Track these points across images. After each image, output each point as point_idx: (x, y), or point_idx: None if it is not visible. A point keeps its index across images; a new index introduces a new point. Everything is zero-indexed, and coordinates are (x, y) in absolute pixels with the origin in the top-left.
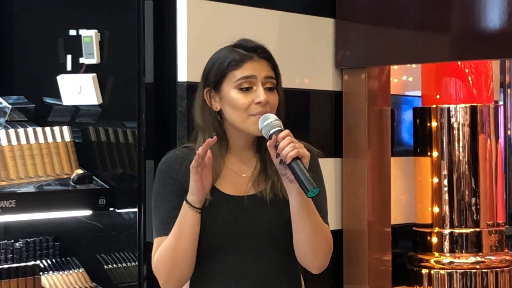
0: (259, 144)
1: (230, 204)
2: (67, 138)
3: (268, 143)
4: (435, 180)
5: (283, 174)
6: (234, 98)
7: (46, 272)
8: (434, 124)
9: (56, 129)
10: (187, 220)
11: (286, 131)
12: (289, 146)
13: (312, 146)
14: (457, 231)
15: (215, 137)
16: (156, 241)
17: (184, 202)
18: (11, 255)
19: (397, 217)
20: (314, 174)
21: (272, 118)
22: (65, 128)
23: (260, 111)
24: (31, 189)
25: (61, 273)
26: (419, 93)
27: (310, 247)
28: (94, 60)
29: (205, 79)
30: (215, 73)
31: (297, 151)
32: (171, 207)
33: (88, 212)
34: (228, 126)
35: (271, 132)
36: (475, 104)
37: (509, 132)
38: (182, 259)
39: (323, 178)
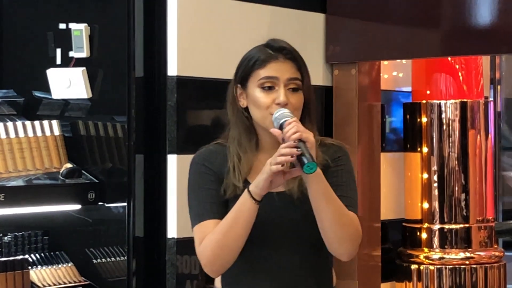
0: None
1: (261, 200)
2: (57, 132)
3: (274, 131)
4: (425, 175)
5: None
6: (257, 96)
7: (34, 267)
8: (424, 119)
9: (46, 123)
10: (245, 209)
11: (294, 118)
12: (292, 129)
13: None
14: (446, 226)
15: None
16: (198, 227)
17: (246, 191)
18: None
19: (386, 213)
20: (344, 167)
21: (283, 110)
22: (55, 122)
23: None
24: (20, 182)
25: (49, 267)
26: (409, 89)
27: (334, 234)
28: (84, 54)
29: (235, 75)
30: (242, 71)
31: (300, 134)
32: (212, 194)
33: (77, 206)
34: (255, 123)
35: (281, 121)
36: (465, 100)
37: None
38: (231, 246)
39: (353, 171)
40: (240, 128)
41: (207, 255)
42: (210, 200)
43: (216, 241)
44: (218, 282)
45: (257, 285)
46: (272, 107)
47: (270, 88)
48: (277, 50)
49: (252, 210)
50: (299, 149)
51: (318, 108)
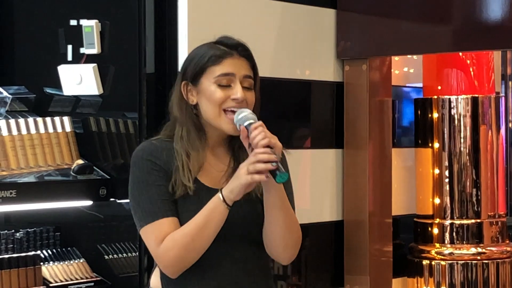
0: (232, 142)
1: (209, 196)
2: (68, 128)
3: (240, 136)
4: (436, 171)
5: None
6: (211, 91)
7: (46, 262)
8: (435, 115)
9: (57, 119)
10: (216, 213)
11: (259, 122)
12: (261, 135)
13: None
14: (458, 222)
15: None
16: (151, 227)
17: (218, 195)
18: (11, 245)
19: (398, 208)
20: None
21: (246, 112)
22: (66, 118)
23: (234, 106)
24: (31, 179)
25: (61, 263)
26: (420, 84)
27: (281, 240)
28: (94, 50)
29: (183, 72)
30: (194, 67)
31: (268, 140)
32: (162, 191)
33: (89, 203)
34: (204, 121)
35: (244, 124)
36: (476, 95)
37: (510, 124)
38: (198, 249)
39: (289, 171)
40: (189, 126)
41: (171, 258)
42: (162, 197)
43: (183, 244)
44: (155, 281)
45: (202, 282)
46: (227, 102)
47: (226, 86)
48: (231, 46)
49: (224, 214)
50: (276, 156)
51: (329, 104)
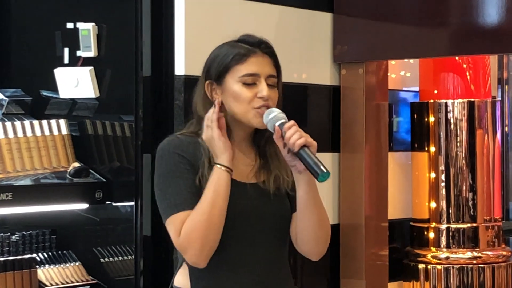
0: (257, 138)
1: (236, 189)
2: (64, 131)
3: (274, 136)
4: (433, 175)
5: (292, 165)
6: (238, 91)
7: (42, 265)
8: (431, 119)
9: (53, 122)
10: (222, 182)
11: (292, 122)
12: (296, 135)
13: None
14: (454, 226)
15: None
16: (175, 218)
17: (215, 167)
18: (7, 248)
19: (394, 212)
20: None
21: (276, 111)
22: (62, 121)
23: (262, 104)
24: (27, 182)
25: (57, 266)
26: (416, 88)
27: (314, 235)
28: (91, 53)
29: (206, 72)
30: (218, 66)
31: (305, 139)
32: (189, 184)
33: (85, 205)
34: (229, 118)
35: (276, 124)
36: (472, 100)
37: (506, 128)
38: (217, 224)
39: None
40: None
41: (195, 241)
42: (189, 189)
43: (200, 223)
44: (180, 280)
45: (233, 277)
46: (254, 100)
47: (251, 84)
48: (255, 44)
49: (228, 180)
50: (304, 158)
51: (326, 108)
